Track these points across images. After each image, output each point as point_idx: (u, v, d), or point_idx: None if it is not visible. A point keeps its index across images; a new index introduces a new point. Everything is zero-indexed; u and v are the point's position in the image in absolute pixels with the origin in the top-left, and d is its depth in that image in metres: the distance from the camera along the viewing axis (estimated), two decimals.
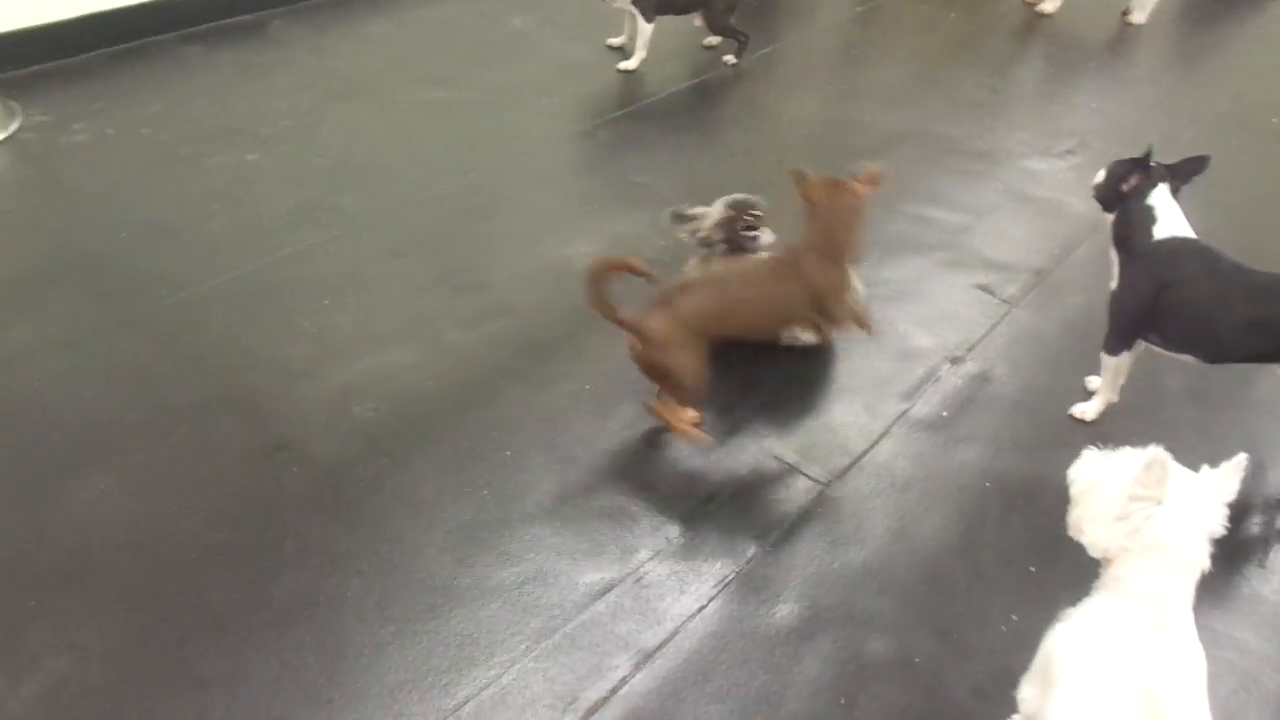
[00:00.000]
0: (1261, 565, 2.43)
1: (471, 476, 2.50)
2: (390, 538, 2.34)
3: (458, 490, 2.47)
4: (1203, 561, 1.72)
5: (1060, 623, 1.82)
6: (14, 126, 3.75)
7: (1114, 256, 2.70)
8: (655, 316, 2.53)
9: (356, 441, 2.59)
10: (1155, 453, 1.73)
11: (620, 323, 2.52)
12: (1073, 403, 2.87)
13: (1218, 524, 1.73)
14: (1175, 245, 2.58)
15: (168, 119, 3.98)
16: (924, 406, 2.87)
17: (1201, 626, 1.69)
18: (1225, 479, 1.75)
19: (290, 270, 3.19)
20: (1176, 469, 1.76)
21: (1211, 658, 1.67)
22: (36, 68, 4.15)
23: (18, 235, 3.29)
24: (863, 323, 2.94)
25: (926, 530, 2.48)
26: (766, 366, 2.96)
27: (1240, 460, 1.73)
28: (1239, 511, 2.54)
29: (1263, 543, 2.51)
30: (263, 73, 4.40)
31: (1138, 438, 2.76)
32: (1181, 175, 2.61)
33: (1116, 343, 2.72)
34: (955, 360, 3.06)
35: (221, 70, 4.41)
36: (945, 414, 2.85)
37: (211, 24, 4.74)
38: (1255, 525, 2.56)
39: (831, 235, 2.74)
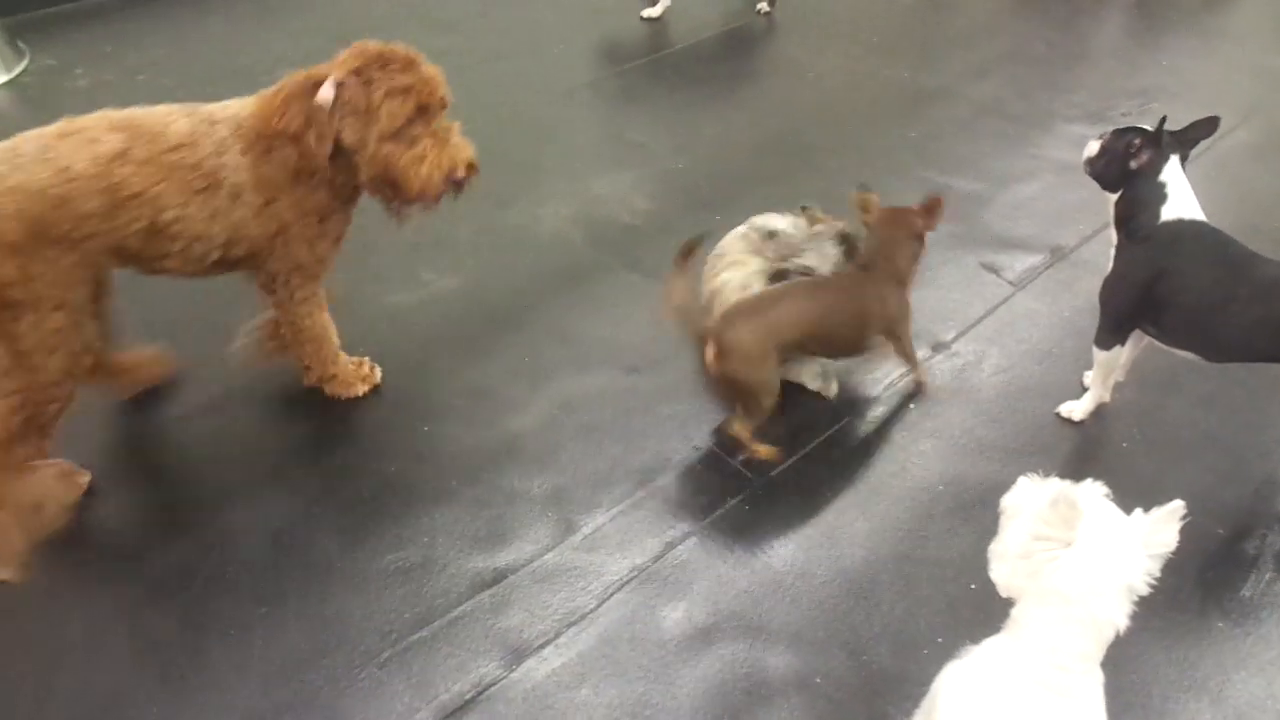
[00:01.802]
0: (1249, 594, 2.15)
1: (381, 451, 2.40)
2: (283, 514, 2.25)
3: (363, 465, 2.36)
4: (1114, 618, 1.48)
5: (954, 660, 1.62)
6: (19, 69, 3.77)
7: (1113, 238, 2.41)
8: (744, 328, 2.29)
9: (273, 407, 2.51)
10: (1064, 489, 1.51)
11: (705, 334, 2.31)
12: (1065, 401, 2.60)
13: (1139, 577, 1.49)
14: (1181, 228, 2.27)
15: (170, 63, 3.95)
16: (894, 398, 2.63)
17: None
18: (1157, 527, 1.49)
19: None
20: (1100, 509, 1.53)
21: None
22: (56, 9, 4.16)
23: None
24: (916, 365, 2.64)
25: (860, 534, 2.26)
26: None
27: (1176, 507, 1.48)
28: (1244, 529, 2.30)
29: (1255, 565, 2.22)
30: (275, 16, 4.33)
31: (1130, 445, 2.52)
32: (1188, 142, 2.30)
33: (1108, 336, 2.44)
34: (939, 346, 2.80)
35: (236, 12, 4.36)
36: (913, 407, 2.61)
37: None
38: (1252, 546, 2.27)
39: (894, 261, 2.47)
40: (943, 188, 3.47)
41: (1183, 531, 2.26)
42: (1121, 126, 2.36)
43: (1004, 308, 2.96)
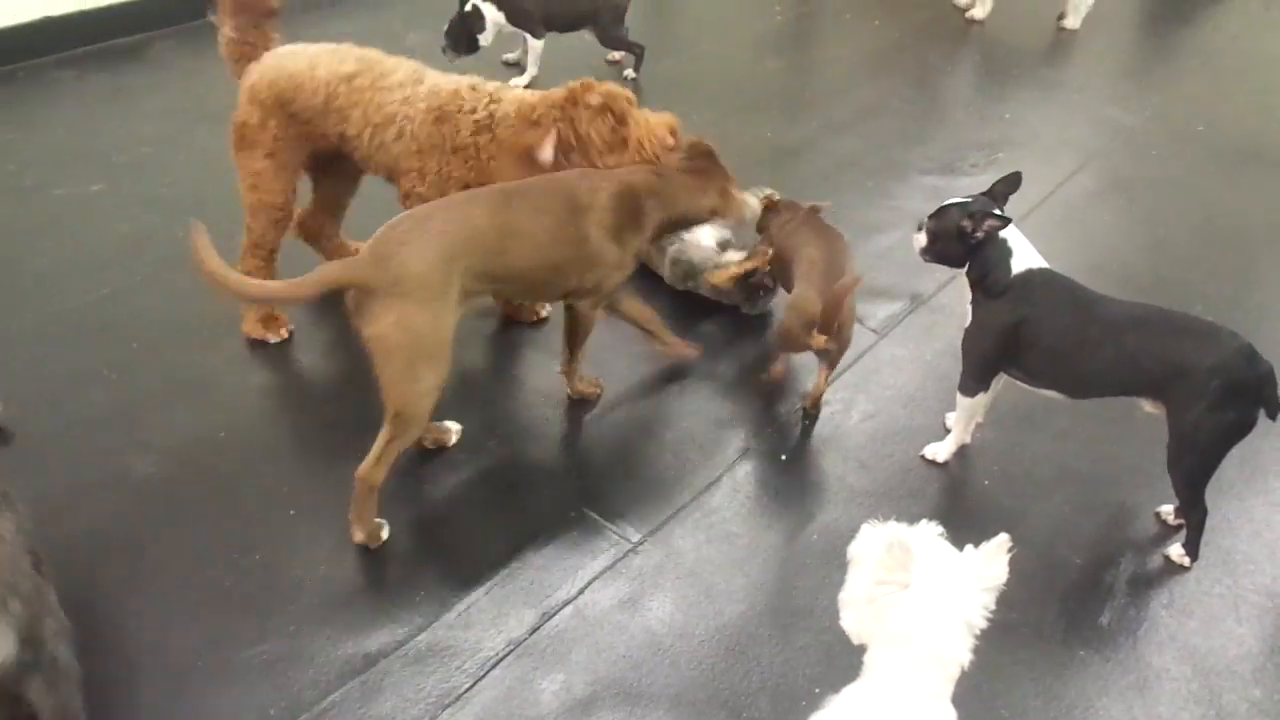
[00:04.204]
0: (1107, 620, 2.22)
1: (246, 539, 2.31)
2: (140, 611, 2.14)
3: (226, 555, 2.27)
4: (958, 655, 1.51)
5: (818, 712, 1.63)
6: None
7: (969, 293, 2.50)
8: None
9: (128, 501, 2.40)
10: (897, 533, 1.55)
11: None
12: (929, 443, 2.67)
13: (976, 612, 1.53)
14: (1032, 277, 2.37)
15: (18, 148, 3.82)
16: (766, 449, 2.67)
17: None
18: (987, 562, 1.54)
19: (107, 309, 3.01)
20: (933, 549, 1.57)
21: None
22: None
23: None
24: None
25: (737, 589, 2.28)
26: (594, 407, 2.77)
27: (1002, 541, 1.53)
28: (1100, 558, 2.39)
29: (1112, 593, 2.30)
30: (132, 97, 4.23)
31: (991, 482, 2.61)
32: (1001, 197, 2.42)
33: (973, 383, 2.51)
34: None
35: (90, 95, 4.24)
36: (785, 457, 2.65)
37: (90, 47, 4.58)
38: (1108, 575, 2.36)
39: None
40: None
41: (1044, 563, 2.36)
42: (937, 209, 2.45)
43: (869, 355, 3.04)
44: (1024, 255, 2.39)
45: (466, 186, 2.58)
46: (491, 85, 2.65)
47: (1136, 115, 4.66)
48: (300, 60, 2.65)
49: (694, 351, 2.87)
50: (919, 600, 1.51)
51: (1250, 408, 2.20)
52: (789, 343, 2.72)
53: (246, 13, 2.70)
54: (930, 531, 1.58)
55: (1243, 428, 2.22)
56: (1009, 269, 2.37)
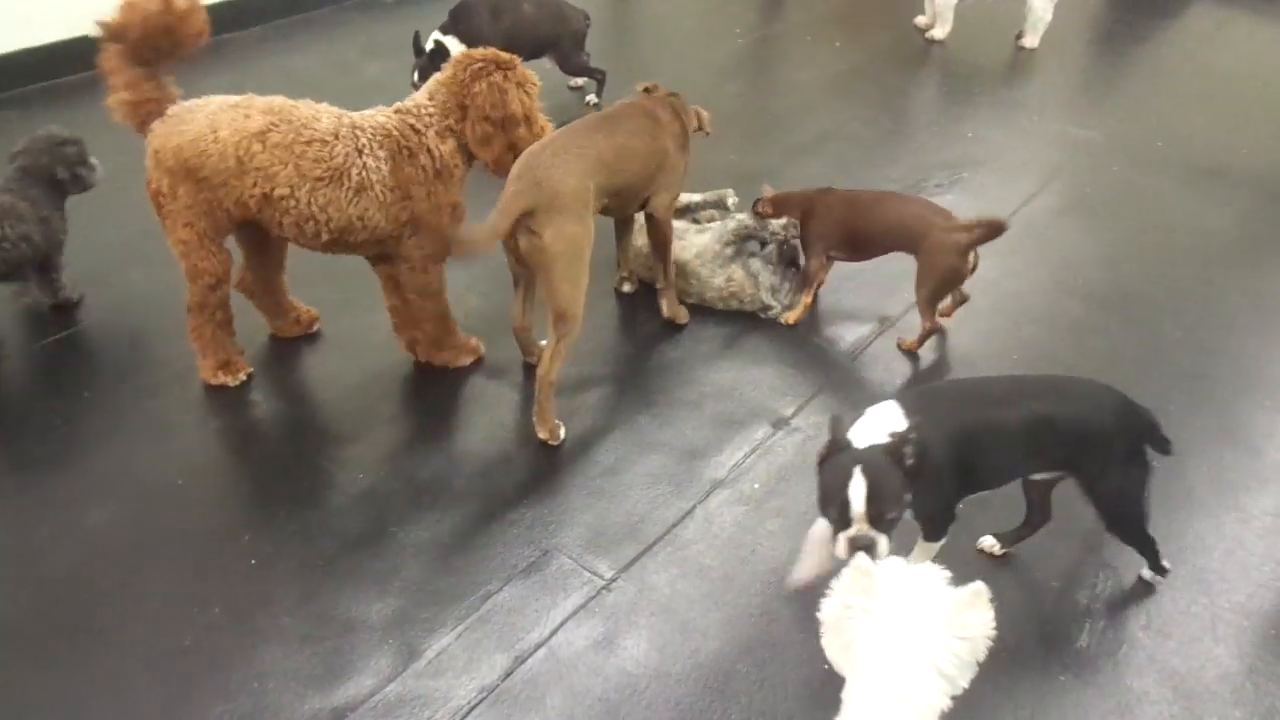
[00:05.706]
0: (1082, 645, 2.20)
1: (205, 590, 2.24)
2: (96, 670, 2.07)
3: (185, 609, 2.20)
4: (927, 698, 1.46)
5: None
6: None
7: None
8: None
9: (82, 553, 2.32)
10: (860, 559, 1.51)
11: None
12: None
13: (946, 658, 1.46)
14: (926, 406, 2.12)
15: None
16: (738, 479, 2.64)
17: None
18: (962, 609, 1.48)
19: (56, 358, 2.93)
20: (907, 584, 1.52)
21: None
22: None
23: None
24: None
25: (714, 624, 2.24)
26: (564, 441, 2.73)
27: (978, 590, 1.48)
28: (1076, 580, 2.37)
29: (1089, 615, 2.28)
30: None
31: (965, 506, 2.56)
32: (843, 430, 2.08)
33: (944, 527, 2.23)
34: (779, 421, 2.83)
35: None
36: (758, 486, 2.62)
37: (38, 85, 4.50)
38: (1084, 596, 2.34)
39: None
40: None
41: (1021, 588, 2.34)
42: (869, 506, 1.88)
43: (839, 378, 3.03)
44: (898, 419, 2.06)
45: (455, 205, 2.71)
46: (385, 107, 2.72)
47: (1096, 132, 4.70)
48: (200, 121, 2.49)
49: (685, 318, 3.20)
50: (881, 632, 1.47)
51: (1145, 452, 2.14)
52: (953, 277, 3.01)
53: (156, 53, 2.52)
54: (928, 570, 1.53)
55: (1150, 470, 2.15)
56: (914, 438, 1.95)
